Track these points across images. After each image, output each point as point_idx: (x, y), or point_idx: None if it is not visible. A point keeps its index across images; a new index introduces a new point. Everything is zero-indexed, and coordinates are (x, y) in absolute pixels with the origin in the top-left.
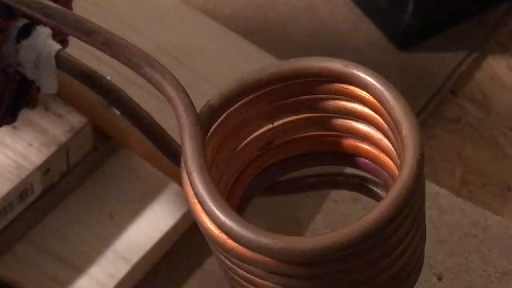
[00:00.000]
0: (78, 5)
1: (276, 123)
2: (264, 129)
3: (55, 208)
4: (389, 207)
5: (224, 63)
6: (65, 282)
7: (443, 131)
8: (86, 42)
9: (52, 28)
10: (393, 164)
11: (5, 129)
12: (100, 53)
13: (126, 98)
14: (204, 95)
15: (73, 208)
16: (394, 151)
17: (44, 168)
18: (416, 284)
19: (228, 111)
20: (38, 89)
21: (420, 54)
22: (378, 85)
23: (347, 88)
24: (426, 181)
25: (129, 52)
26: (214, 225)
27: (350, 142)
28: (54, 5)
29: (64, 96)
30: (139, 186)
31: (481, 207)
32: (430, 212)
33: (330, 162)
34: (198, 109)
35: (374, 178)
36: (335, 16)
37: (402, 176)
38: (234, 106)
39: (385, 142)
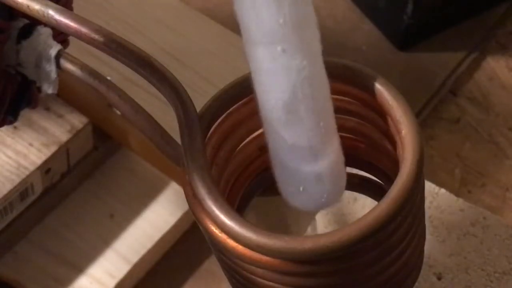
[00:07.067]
0: (78, 5)
1: None
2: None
3: (55, 208)
4: (389, 206)
5: (224, 63)
6: (65, 282)
7: (443, 131)
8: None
9: (53, 28)
10: (393, 164)
11: (5, 129)
12: (100, 53)
13: (127, 97)
14: (204, 95)
15: (73, 208)
16: (394, 151)
17: (45, 168)
18: (416, 284)
19: (228, 111)
20: (38, 89)
21: (420, 54)
22: (378, 85)
23: (347, 88)
24: (426, 181)
25: (129, 52)
26: (214, 224)
27: (350, 142)
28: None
29: (64, 96)
30: (139, 186)
31: (481, 207)
32: (430, 212)
33: None
34: (198, 109)
35: (374, 178)
36: (335, 16)
37: (402, 176)
38: (234, 106)
39: (385, 142)
